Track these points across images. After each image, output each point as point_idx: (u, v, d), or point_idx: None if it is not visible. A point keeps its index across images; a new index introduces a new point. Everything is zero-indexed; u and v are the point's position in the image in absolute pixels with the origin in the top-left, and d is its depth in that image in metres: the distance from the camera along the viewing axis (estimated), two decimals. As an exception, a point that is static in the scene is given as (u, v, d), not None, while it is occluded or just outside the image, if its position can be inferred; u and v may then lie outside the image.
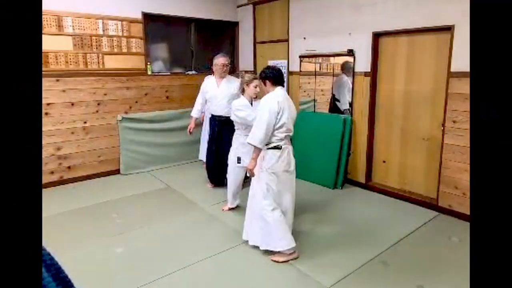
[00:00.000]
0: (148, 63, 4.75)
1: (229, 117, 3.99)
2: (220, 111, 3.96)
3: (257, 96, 3.18)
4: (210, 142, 4.13)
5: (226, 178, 3.73)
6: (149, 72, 4.77)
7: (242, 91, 3.23)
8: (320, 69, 4.73)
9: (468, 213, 3.26)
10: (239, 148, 3.27)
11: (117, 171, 4.60)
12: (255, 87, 3.15)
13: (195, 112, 4.15)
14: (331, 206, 3.65)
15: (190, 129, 4.13)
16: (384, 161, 4.06)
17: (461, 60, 3.18)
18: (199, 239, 2.96)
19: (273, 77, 2.69)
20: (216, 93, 3.96)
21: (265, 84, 2.73)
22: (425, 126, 3.65)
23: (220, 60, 3.94)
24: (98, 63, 4.31)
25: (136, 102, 4.69)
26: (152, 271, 2.45)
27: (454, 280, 2.37)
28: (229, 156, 3.42)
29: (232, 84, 3.94)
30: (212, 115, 4.07)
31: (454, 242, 2.90)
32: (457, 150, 3.31)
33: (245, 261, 2.61)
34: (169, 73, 5.02)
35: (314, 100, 4.69)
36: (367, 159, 4.14)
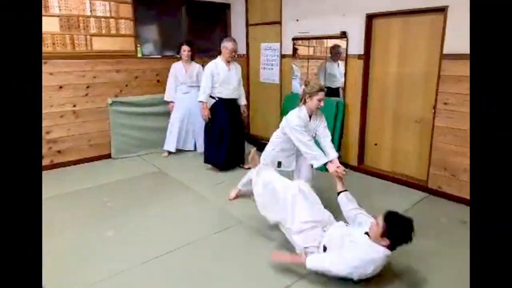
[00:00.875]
0: (138, 46, 4.65)
1: (237, 99, 4.19)
2: (232, 94, 4.05)
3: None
4: (221, 127, 4.07)
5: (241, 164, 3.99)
6: (139, 55, 4.68)
7: (304, 102, 2.80)
8: (314, 52, 4.69)
9: (456, 194, 3.31)
10: (280, 153, 3.02)
11: (108, 155, 4.56)
12: (319, 101, 2.75)
13: (204, 97, 4.04)
14: (323, 189, 3.66)
15: (207, 116, 4.05)
16: (376, 144, 4.07)
17: (454, 42, 3.17)
18: (192, 221, 2.96)
19: None
20: (229, 77, 3.97)
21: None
22: (417, 109, 3.66)
23: (230, 45, 3.90)
24: (86, 45, 4.21)
25: (127, 85, 4.61)
26: (143, 254, 2.45)
27: (443, 260, 2.41)
28: (263, 157, 3.05)
29: (238, 67, 4.09)
30: (221, 99, 4.04)
31: (442, 222, 2.95)
32: (448, 132, 3.33)
33: (238, 242, 2.63)
34: (160, 56, 4.93)
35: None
36: (359, 142, 4.15)
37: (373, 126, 4.07)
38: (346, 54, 4.09)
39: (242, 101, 4.24)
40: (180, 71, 4.55)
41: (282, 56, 4.87)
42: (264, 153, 3.07)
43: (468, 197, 3.23)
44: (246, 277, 2.22)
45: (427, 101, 3.53)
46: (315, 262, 2.07)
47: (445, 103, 3.32)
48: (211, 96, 4.06)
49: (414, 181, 3.69)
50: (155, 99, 4.71)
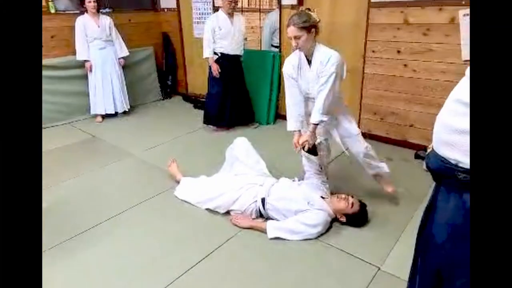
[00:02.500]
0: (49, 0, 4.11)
1: (241, 56, 3.91)
2: (235, 50, 3.81)
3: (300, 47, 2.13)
4: (222, 85, 3.88)
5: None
6: (52, 10, 4.15)
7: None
8: (248, 4, 4.55)
9: (384, 135, 3.62)
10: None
11: (32, 126, 4.15)
12: (290, 39, 2.17)
13: (208, 52, 3.81)
14: (262, 141, 3.77)
15: (217, 70, 3.81)
16: (312, 95, 4.21)
17: (379, -11, 3.27)
18: (131, 186, 2.89)
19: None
20: (232, 30, 3.72)
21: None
22: (348, 58, 3.77)
23: None
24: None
25: (43, 46, 4.12)
26: (80, 224, 2.36)
27: (368, 191, 2.68)
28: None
29: (241, 20, 3.83)
30: (223, 55, 3.80)
31: (372, 161, 3.24)
32: (376, 78, 3.55)
33: (180, 205, 2.62)
34: (78, 12, 4.41)
35: (245, 38, 4.56)
36: (297, 94, 4.26)
37: (309, 77, 4.18)
38: (280, 5, 4.03)
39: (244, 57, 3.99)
40: (91, 26, 4.14)
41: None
42: None
43: (394, 137, 3.56)
44: (178, 238, 2.22)
45: (357, 50, 3.67)
46: (275, 231, 2.15)
47: (373, 51, 3.49)
48: (214, 53, 3.84)
49: (347, 127, 3.94)
50: (79, 60, 4.29)
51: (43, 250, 2.08)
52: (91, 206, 2.59)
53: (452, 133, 0.90)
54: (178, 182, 2.77)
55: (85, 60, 4.21)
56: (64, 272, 1.95)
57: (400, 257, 1.99)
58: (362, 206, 2.27)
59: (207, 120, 4.11)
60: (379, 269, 1.93)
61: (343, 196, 2.25)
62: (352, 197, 2.27)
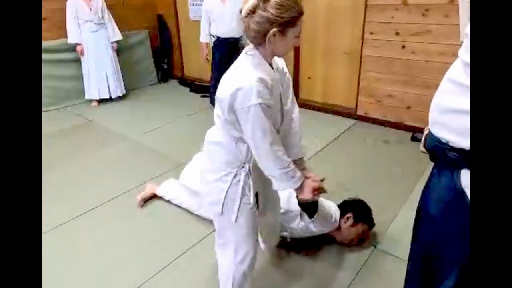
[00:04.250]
0: (41, -21, 4.00)
1: (239, 38, 3.73)
2: (230, 32, 3.65)
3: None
4: (219, 71, 3.76)
5: None
6: (44, -9, 4.04)
7: (262, 41, 1.22)
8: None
9: (381, 118, 3.62)
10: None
11: (27, 110, 4.11)
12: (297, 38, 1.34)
13: (204, 37, 3.76)
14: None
15: (206, 56, 3.82)
16: (309, 78, 4.19)
17: (378, -32, 3.21)
18: (128, 169, 2.89)
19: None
20: (222, 12, 3.57)
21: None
22: (346, 40, 3.76)
23: None
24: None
25: (35, 28, 4.03)
26: (76, 207, 2.36)
27: (365, 173, 2.70)
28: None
29: (237, 0, 3.57)
30: (219, 39, 3.71)
31: (368, 143, 3.25)
32: (374, 60, 3.52)
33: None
34: (70, -8, 4.31)
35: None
36: (294, 77, 4.23)
37: (306, 60, 4.14)
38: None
39: (246, 40, 3.89)
40: (82, 8, 4.04)
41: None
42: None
43: (391, 119, 3.56)
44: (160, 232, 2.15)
45: (355, 32, 3.63)
46: None
47: (371, 33, 3.45)
48: (212, 35, 3.78)
49: (344, 109, 3.93)
50: (72, 44, 4.20)
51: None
52: (84, 191, 2.60)
53: (443, 112, 0.91)
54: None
55: (76, 44, 4.13)
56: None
57: (395, 236, 2.02)
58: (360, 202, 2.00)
59: (211, 102, 4.15)
60: (375, 247, 1.96)
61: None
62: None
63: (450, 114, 0.88)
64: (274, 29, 1.12)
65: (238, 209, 1.32)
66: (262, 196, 1.45)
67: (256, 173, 1.33)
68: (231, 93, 1.14)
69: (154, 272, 1.82)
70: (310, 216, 1.77)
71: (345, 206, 1.95)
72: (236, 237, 1.38)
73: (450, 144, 0.89)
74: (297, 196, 1.40)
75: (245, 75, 1.16)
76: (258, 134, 1.17)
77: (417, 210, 1.12)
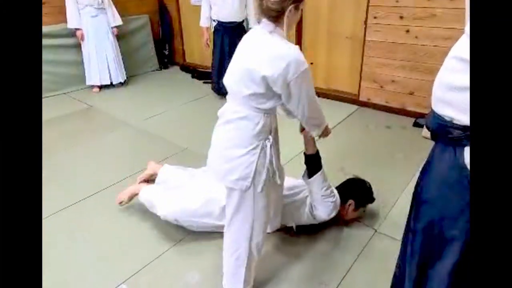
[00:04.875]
0: (40, -37, 3.94)
1: (240, 22, 3.66)
2: (232, 16, 3.59)
3: None
4: (220, 56, 3.78)
5: None
6: (43, -26, 3.99)
7: (281, 17, 1.27)
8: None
9: (383, 103, 3.60)
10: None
11: (28, 96, 4.10)
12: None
13: (204, 21, 3.71)
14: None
15: (206, 41, 3.78)
16: (311, 63, 4.15)
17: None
18: (130, 155, 2.90)
19: None
20: None
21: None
22: (348, 25, 3.71)
23: None
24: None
25: (34, 13, 3.99)
26: (77, 193, 2.38)
27: (367, 159, 2.71)
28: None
29: None
30: (220, 23, 3.65)
31: (370, 129, 3.24)
32: (376, 45, 3.48)
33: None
34: (69, -24, 4.25)
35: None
36: (296, 63, 4.19)
37: (309, 46, 4.09)
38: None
39: (250, 25, 3.76)
40: None
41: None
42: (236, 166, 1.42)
43: (393, 105, 3.54)
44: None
45: (358, 17, 3.58)
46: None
47: (375, 17, 3.40)
48: (213, 20, 3.72)
49: (347, 95, 3.91)
50: (72, 29, 4.16)
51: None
52: (85, 176, 2.61)
53: (447, 90, 0.90)
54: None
55: (76, 29, 4.09)
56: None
57: (396, 219, 2.03)
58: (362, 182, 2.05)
59: (212, 88, 4.13)
60: (375, 231, 1.98)
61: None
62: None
63: (454, 91, 0.87)
64: (291, 6, 1.22)
65: (265, 179, 1.37)
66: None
67: (276, 144, 1.43)
68: (283, 67, 1.20)
69: (156, 255, 1.85)
70: (313, 173, 1.77)
71: (346, 192, 1.95)
72: (255, 210, 1.42)
73: (454, 122, 0.89)
74: (304, 153, 1.73)
75: (286, 47, 1.24)
76: (312, 92, 1.32)
77: (415, 188, 1.12)
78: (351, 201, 1.94)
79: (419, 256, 1.07)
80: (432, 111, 0.99)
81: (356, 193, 1.97)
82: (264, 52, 1.25)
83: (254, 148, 1.34)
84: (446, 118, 0.91)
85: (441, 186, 0.97)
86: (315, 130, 1.50)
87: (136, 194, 2.13)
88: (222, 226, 1.60)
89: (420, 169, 1.09)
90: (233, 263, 1.51)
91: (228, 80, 1.37)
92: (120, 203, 2.14)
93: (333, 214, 1.86)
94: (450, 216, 0.95)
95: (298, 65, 1.21)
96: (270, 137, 1.37)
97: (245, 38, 1.35)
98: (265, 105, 1.31)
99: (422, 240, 1.06)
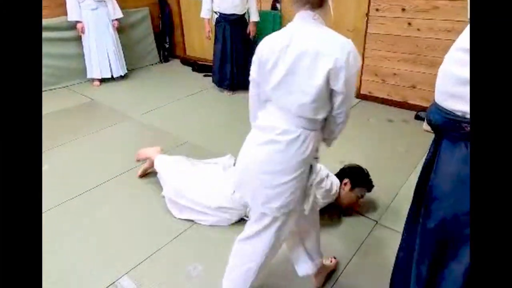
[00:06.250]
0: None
1: (242, 15, 3.64)
2: (233, 9, 3.57)
3: None
4: (222, 49, 3.77)
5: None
6: (43, -34, 3.95)
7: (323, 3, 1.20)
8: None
9: (385, 97, 3.59)
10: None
11: (28, 89, 4.09)
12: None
13: (205, 13, 3.69)
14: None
15: (208, 33, 3.78)
16: (313, 56, 4.13)
17: None
18: (131, 148, 2.89)
19: None
20: None
21: None
22: (350, 17, 3.68)
23: None
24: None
25: (34, 5, 3.96)
26: (78, 186, 2.38)
27: (368, 152, 2.70)
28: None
29: None
30: (222, 15, 3.63)
31: (371, 122, 3.24)
32: (378, 38, 3.45)
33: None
34: (69, -32, 4.21)
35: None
36: (297, 56, 4.17)
37: (310, 38, 4.07)
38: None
39: (251, 18, 3.73)
40: None
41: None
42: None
43: (395, 99, 3.53)
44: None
45: (360, 9, 3.55)
46: None
47: (377, 9, 3.38)
48: (215, 12, 3.70)
49: (348, 89, 3.89)
50: (72, 21, 4.14)
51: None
52: (86, 169, 2.61)
53: (458, 84, 0.87)
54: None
55: (76, 21, 4.06)
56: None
57: (397, 212, 2.04)
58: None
59: (213, 81, 4.12)
60: (376, 222, 1.98)
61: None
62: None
63: (467, 85, 0.83)
64: None
65: (310, 201, 1.25)
66: None
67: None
68: (346, 57, 1.06)
69: (158, 247, 1.86)
70: None
71: (343, 173, 2.01)
72: (283, 231, 1.31)
73: (467, 116, 0.86)
74: None
75: (342, 36, 1.11)
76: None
77: (420, 186, 1.08)
78: (346, 180, 1.95)
79: (431, 255, 1.02)
80: (436, 106, 0.96)
81: (352, 174, 1.99)
82: (323, 39, 1.09)
83: (301, 173, 1.19)
84: (458, 113, 0.88)
85: (453, 182, 0.93)
86: (334, 140, 1.32)
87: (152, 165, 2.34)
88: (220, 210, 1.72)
89: (421, 162, 1.06)
90: (243, 272, 1.39)
91: (276, 91, 1.15)
92: (138, 160, 2.45)
93: (328, 200, 1.88)
94: (464, 213, 0.91)
95: (356, 57, 1.09)
96: (318, 156, 1.23)
97: (286, 34, 1.14)
98: (318, 116, 1.15)
99: (434, 239, 1.01)
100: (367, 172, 2.02)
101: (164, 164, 2.25)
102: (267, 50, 1.16)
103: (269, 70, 1.15)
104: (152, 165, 2.36)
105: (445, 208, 0.97)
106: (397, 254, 1.22)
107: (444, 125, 0.93)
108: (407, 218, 1.19)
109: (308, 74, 1.08)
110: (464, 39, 0.87)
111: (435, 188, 1.00)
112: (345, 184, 1.95)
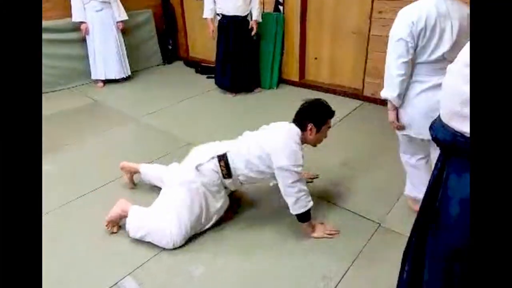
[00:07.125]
0: (44, -43, 3.94)
1: (245, 17, 3.64)
2: (236, 10, 3.57)
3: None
4: (225, 51, 3.79)
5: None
6: (47, -32, 3.99)
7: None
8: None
9: (388, 99, 3.57)
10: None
11: (33, 90, 4.12)
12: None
13: (208, 13, 3.71)
14: (264, 106, 3.75)
15: (212, 32, 3.79)
16: (315, 58, 4.13)
17: None
18: (134, 149, 2.91)
19: None
20: None
21: None
22: (353, 20, 3.69)
23: None
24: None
25: (39, 7, 3.99)
26: (80, 187, 2.39)
27: (371, 154, 2.70)
28: None
29: None
30: (224, 17, 3.64)
31: (374, 124, 3.23)
32: (381, 40, 3.45)
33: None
34: (73, -30, 4.24)
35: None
36: (300, 57, 4.17)
37: (313, 40, 4.08)
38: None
39: (253, 16, 3.74)
40: None
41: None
42: None
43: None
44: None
45: (363, 12, 3.55)
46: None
47: (380, 12, 3.38)
48: (217, 14, 3.72)
49: (351, 91, 3.89)
50: (76, 23, 4.18)
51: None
52: (89, 171, 2.63)
53: (467, 103, 0.80)
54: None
55: (81, 22, 4.09)
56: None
57: (400, 214, 2.04)
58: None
59: (216, 82, 4.13)
60: (379, 225, 1.98)
61: None
62: None
63: None
64: None
65: None
66: None
67: None
68: None
69: (160, 248, 1.86)
70: None
71: (303, 116, 1.90)
72: None
73: None
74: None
75: None
76: None
77: (428, 202, 1.01)
78: (310, 125, 1.86)
79: (443, 280, 0.96)
80: (441, 123, 0.90)
81: (311, 114, 1.89)
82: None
83: None
84: (466, 135, 0.81)
85: (463, 208, 0.87)
86: None
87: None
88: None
89: (429, 182, 0.98)
90: None
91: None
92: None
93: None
94: None
95: None
96: None
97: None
98: None
99: (444, 264, 0.95)
100: (323, 101, 1.93)
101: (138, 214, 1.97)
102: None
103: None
104: (131, 174, 2.34)
105: (457, 235, 0.90)
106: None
107: (452, 145, 0.87)
108: (410, 243, 1.12)
109: None
110: (468, 54, 0.82)
111: (445, 214, 0.93)
112: (310, 129, 1.87)
